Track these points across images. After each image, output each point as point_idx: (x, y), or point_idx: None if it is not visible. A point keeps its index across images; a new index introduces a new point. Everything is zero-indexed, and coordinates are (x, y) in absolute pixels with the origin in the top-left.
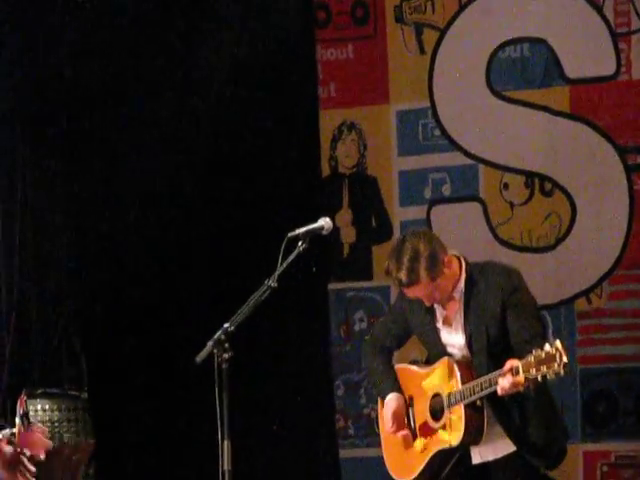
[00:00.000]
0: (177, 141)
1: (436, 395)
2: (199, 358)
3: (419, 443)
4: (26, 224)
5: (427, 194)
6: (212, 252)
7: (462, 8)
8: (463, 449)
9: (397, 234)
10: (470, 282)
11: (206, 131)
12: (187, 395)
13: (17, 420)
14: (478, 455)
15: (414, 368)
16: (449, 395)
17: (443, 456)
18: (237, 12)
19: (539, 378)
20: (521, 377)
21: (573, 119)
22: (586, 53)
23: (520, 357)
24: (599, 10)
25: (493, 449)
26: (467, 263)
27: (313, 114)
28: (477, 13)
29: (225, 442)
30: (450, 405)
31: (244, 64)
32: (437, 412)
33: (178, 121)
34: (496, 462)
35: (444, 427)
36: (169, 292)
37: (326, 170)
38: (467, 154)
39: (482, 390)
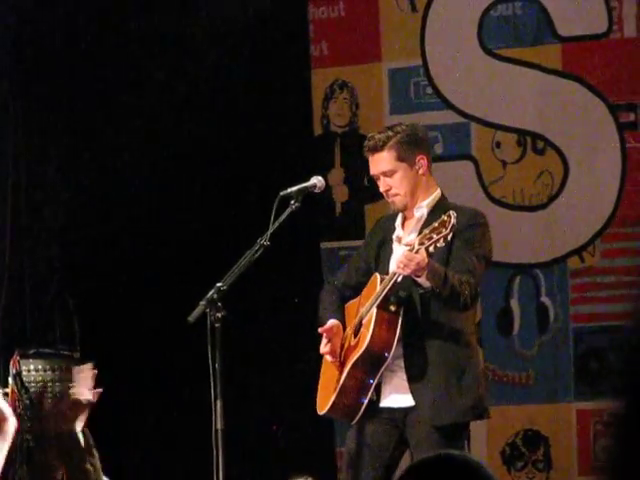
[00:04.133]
0: (171, 100)
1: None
2: (192, 317)
3: (340, 366)
4: (19, 182)
5: None
6: (205, 211)
7: None
8: (377, 361)
9: None
10: (437, 206)
11: (198, 90)
12: (180, 355)
13: (10, 380)
14: (387, 399)
15: (354, 300)
16: (366, 306)
17: (357, 383)
18: None
19: (431, 249)
20: (420, 250)
21: (565, 77)
22: (578, 11)
23: None
24: None
25: (402, 396)
26: (444, 195)
27: (305, 73)
28: None
29: (218, 401)
30: (366, 314)
31: (235, 24)
32: (358, 328)
33: (171, 80)
34: (402, 412)
35: (359, 339)
36: (162, 251)
37: (318, 129)
38: (459, 112)
39: (389, 282)
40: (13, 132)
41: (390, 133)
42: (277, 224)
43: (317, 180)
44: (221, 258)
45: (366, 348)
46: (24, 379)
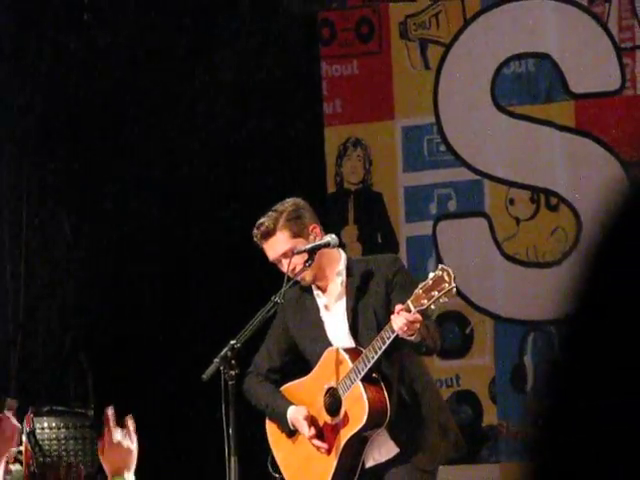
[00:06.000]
0: (183, 157)
1: (328, 390)
2: (206, 375)
3: (325, 446)
4: (33, 241)
5: (433, 210)
6: (218, 270)
7: (467, 24)
8: (374, 429)
9: (403, 250)
10: (351, 266)
11: (211, 148)
12: (194, 412)
13: (24, 438)
14: (372, 459)
15: (297, 381)
16: (342, 380)
17: (352, 454)
18: (241, 30)
19: (432, 307)
20: (415, 312)
21: (578, 134)
22: (591, 68)
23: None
24: (603, 25)
25: (386, 450)
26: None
27: (318, 131)
28: (481, 29)
29: (232, 458)
30: (347, 389)
31: (249, 82)
32: (334, 406)
33: (183, 138)
34: (387, 463)
35: (346, 415)
36: (176, 309)
37: (332, 186)
38: (472, 169)
39: (376, 353)
40: (26, 196)
41: (276, 214)
42: (291, 282)
43: (331, 238)
44: (234, 315)
45: (366, 422)
46: (38, 437)
